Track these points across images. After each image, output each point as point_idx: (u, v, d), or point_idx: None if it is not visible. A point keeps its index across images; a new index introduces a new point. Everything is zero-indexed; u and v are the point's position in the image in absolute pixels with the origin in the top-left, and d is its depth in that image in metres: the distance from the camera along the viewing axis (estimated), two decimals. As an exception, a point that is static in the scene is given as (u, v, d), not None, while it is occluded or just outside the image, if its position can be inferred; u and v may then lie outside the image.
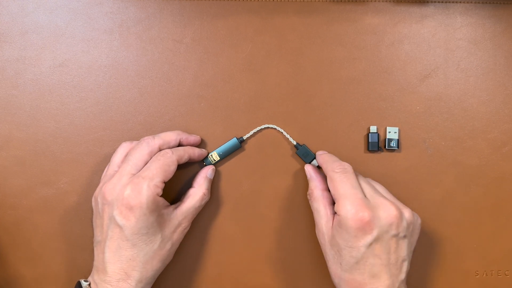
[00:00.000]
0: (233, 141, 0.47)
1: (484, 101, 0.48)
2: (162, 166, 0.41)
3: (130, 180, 0.40)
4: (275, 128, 0.47)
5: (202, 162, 0.47)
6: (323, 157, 0.45)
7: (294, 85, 0.48)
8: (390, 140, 0.47)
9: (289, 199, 0.47)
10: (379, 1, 0.48)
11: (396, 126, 0.48)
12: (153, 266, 0.41)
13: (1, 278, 0.47)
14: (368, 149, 0.47)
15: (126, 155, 0.43)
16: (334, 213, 0.42)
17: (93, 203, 0.43)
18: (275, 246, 0.47)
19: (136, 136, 0.47)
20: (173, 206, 0.44)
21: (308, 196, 0.45)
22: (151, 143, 0.43)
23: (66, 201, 0.47)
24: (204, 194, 0.44)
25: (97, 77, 0.47)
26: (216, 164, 0.47)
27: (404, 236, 0.40)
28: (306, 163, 0.47)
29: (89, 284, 0.41)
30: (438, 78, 0.48)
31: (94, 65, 0.47)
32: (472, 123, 0.48)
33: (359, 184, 0.42)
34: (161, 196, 0.41)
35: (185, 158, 0.44)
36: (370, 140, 0.47)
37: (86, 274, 0.46)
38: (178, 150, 0.43)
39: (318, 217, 0.43)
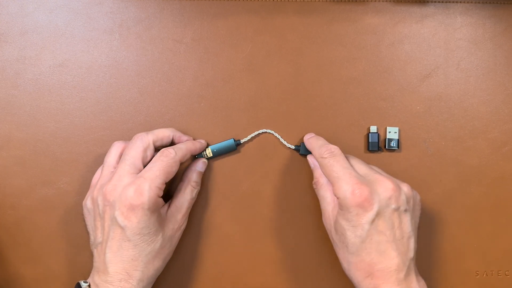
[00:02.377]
0: (230, 141, 0.46)
1: (484, 101, 0.48)
2: (165, 168, 0.41)
3: (131, 181, 0.40)
4: (272, 134, 0.47)
5: (195, 155, 0.47)
6: (310, 143, 0.45)
7: (294, 85, 0.48)
8: (390, 140, 0.47)
9: (289, 199, 0.47)
10: (379, 1, 0.48)
11: (396, 126, 0.48)
12: (155, 265, 0.41)
13: (1, 278, 0.47)
14: (368, 149, 0.47)
15: (122, 155, 0.43)
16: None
17: (88, 205, 0.43)
18: (275, 246, 0.47)
19: (136, 136, 0.47)
20: (167, 204, 0.44)
21: (314, 185, 0.44)
22: (144, 139, 0.43)
23: (66, 201, 0.47)
24: (193, 187, 0.44)
25: (97, 77, 0.47)
26: (208, 160, 0.47)
27: (406, 210, 0.40)
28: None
29: (89, 285, 0.40)
30: (438, 78, 0.48)
31: (94, 65, 0.47)
32: (472, 123, 0.48)
33: (350, 164, 0.42)
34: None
35: (187, 157, 0.44)
36: (370, 140, 0.47)
37: (86, 274, 0.46)
38: (180, 149, 0.43)
39: (325, 204, 0.43)
